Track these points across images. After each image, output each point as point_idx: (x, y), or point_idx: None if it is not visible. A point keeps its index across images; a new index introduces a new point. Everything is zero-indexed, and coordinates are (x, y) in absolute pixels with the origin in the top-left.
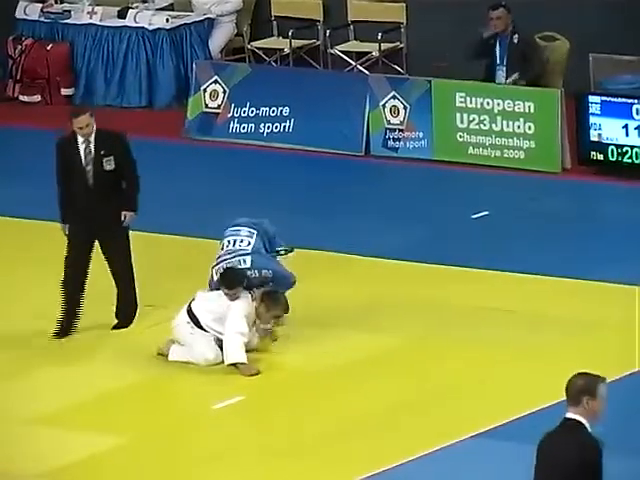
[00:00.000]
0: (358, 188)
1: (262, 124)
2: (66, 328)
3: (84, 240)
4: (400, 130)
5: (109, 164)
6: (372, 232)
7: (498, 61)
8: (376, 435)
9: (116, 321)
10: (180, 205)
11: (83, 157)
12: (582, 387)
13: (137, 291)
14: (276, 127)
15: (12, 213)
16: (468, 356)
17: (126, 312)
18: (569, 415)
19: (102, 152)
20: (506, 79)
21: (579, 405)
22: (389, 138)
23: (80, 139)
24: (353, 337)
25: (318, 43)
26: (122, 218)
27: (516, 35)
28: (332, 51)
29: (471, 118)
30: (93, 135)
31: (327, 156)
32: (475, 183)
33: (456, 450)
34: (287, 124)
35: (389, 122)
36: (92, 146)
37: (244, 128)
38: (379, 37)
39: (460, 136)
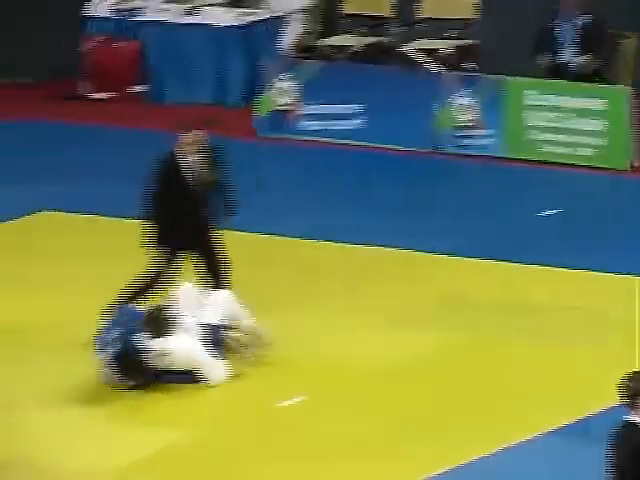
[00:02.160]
0: (428, 185)
1: (333, 122)
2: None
3: (180, 258)
4: (470, 127)
5: (210, 176)
6: (442, 229)
7: (565, 40)
8: (442, 433)
9: None
10: (251, 204)
11: (191, 176)
12: (636, 389)
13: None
14: (346, 124)
15: (81, 209)
16: (536, 353)
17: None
18: (627, 417)
19: (203, 167)
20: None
21: (635, 407)
22: (459, 135)
23: (185, 157)
24: (419, 334)
25: (389, 40)
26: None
27: (589, 15)
28: (403, 49)
29: (542, 116)
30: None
31: (397, 153)
32: (545, 180)
33: (526, 448)
34: (357, 121)
35: (459, 119)
36: (196, 162)
37: (315, 126)
38: (450, 34)
39: (531, 134)
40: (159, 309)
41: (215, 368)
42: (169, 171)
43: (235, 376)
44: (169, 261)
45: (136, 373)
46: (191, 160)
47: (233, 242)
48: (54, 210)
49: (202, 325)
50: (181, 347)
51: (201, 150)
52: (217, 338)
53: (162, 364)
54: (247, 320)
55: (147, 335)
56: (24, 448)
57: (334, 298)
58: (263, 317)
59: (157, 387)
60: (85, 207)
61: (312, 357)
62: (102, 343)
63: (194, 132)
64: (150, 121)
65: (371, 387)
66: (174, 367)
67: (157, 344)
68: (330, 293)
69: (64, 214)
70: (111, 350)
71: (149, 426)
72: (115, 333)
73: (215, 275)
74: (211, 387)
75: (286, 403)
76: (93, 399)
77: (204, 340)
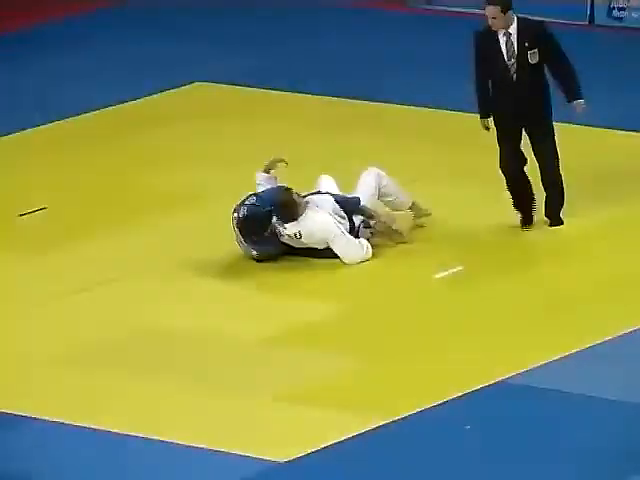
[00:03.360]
0: (582, 58)
1: None
2: (526, 219)
3: (515, 129)
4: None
5: (534, 57)
6: (595, 101)
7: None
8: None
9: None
10: (397, 76)
11: (505, 52)
12: None
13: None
14: None
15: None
16: None
17: (553, 211)
18: None
19: (526, 45)
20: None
21: None
22: (614, 7)
23: (500, 32)
24: (580, 208)
25: None
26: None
27: None
28: None
29: None
30: (514, 27)
31: (551, 26)
32: None
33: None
34: None
35: None
36: (514, 39)
37: None
38: None
39: None
40: (290, 194)
41: (351, 246)
42: (482, 41)
43: (389, 249)
44: (506, 136)
45: (261, 238)
46: (505, 35)
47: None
48: (206, 81)
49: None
50: (311, 226)
51: (521, 28)
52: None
53: (296, 245)
54: (402, 198)
55: (278, 220)
56: (170, 316)
57: (483, 173)
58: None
59: (305, 261)
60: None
61: (467, 229)
62: (236, 207)
63: (490, 7)
64: None
65: (523, 259)
66: (309, 245)
67: (288, 229)
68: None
69: (215, 85)
70: (240, 212)
71: (296, 299)
72: (250, 199)
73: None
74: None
75: (442, 274)
76: (237, 272)
77: (340, 218)
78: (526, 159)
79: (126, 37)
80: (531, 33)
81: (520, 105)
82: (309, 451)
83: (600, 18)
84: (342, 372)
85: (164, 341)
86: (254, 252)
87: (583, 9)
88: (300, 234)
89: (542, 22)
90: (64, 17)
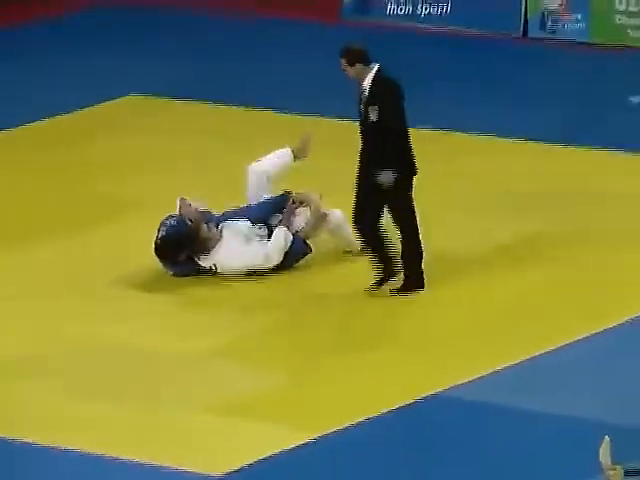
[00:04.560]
0: (515, 70)
1: (419, 6)
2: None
3: (364, 181)
4: (558, 12)
5: (374, 114)
6: (525, 114)
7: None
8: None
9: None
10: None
11: (359, 103)
12: None
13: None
14: (433, 8)
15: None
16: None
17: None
18: None
19: (370, 100)
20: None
21: None
22: (547, 20)
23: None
24: (505, 224)
25: None
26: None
27: None
28: None
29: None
30: (368, 81)
31: (484, 38)
32: (634, 65)
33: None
34: (445, 5)
35: (547, 4)
36: (366, 92)
37: (401, 10)
38: None
39: (619, 19)
40: (196, 228)
41: (273, 253)
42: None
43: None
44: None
45: (176, 262)
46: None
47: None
48: (141, 93)
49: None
50: (224, 261)
51: (374, 82)
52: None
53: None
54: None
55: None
56: (98, 330)
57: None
58: None
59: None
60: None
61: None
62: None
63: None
64: (240, 6)
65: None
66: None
67: (202, 261)
68: None
69: (150, 97)
70: (158, 234)
71: (229, 313)
72: (170, 221)
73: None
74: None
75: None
76: (167, 287)
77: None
78: (379, 215)
79: (62, 49)
80: (377, 90)
81: (365, 158)
82: (244, 464)
83: (533, 30)
84: (275, 386)
85: (92, 355)
86: (171, 272)
87: (517, 21)
88: (215, 267)
89: (393, 84)
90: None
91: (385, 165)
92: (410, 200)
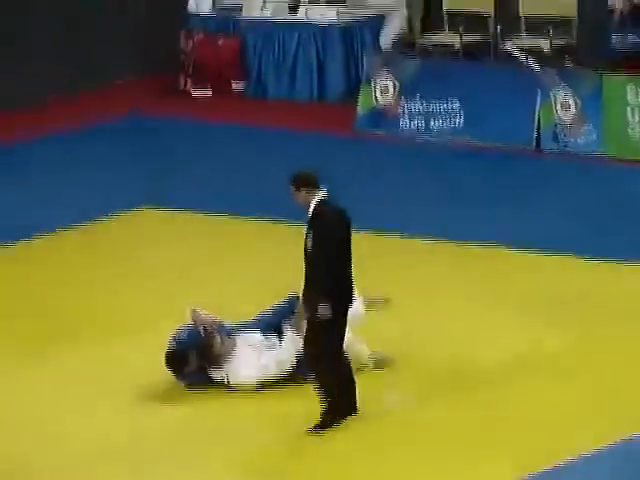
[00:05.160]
0: (529, 183)
1: (432, 120)
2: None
3: None
4: (570, 125)
5: (309, 242)
6: (543, 227)
7: None
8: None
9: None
10: (352, 201)
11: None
12: None
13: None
14: (446, 122)
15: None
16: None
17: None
18: None
19: (308, 228)
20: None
21: None
22: (559, 133)
23: None
24: (524, 331)
25: (489, 38)
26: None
27: None
28: (506, 47)
29: None
30: (311, 207)
31: (497, 150)
32: None
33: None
34: (457, 119)
35: (559, 116)
36: (308, 220)
37: (414, 123)
38: (550, 32)
39: (631, 130)
40: (210, 340)
41: (283, 360)
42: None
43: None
44: None
45: (183, 374)
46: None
47: None
48: (155, 206)
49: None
50: (236, 374)
51: (314, 210)
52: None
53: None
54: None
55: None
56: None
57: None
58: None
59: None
60: (185, 203)
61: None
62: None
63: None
64: (252, 117)
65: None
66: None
67: (214, 373)
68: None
69: (162, 211)
70: (168, 347)
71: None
72: (180, 335)
73: None
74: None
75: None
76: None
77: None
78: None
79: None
80: (314, 218)
81: (304, 287)
82: None
83: (546, 143)
84: None
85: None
86: (183, 384)
87: (529, 134)
88: (228, 379)
89: (325, 215)
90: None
91: (319, 295)
92: (331, 339)
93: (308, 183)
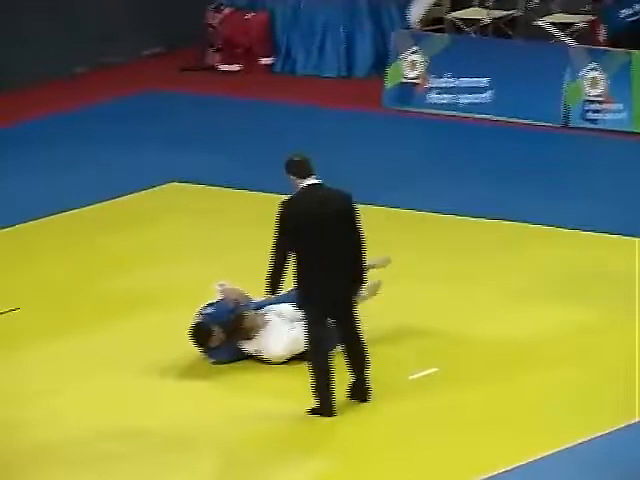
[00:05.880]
0: (556, 160)
1: (460, 95)
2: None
3: None
4: (599, 102)
5: None
6: (571, 204)
7: None
8: (572, 408)
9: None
10: (377, 175)
11: None
12: None
13: None
14: (475, 98)
15: (207, 180)
16: None
17: (362, 388)
18: None
19: None
20: None
21: None
22: (588, 110)
23: None
24: (551, 308)
25: (518, 14)
26: None
27: None
28: (539, 22)
29: None
30: None
31: (525, 127)
32: None
33: None
34: (485, 95)
35: (588, 94)
36: None
37: (443, 99)
38: (583, 8)
39: None
40: (241, 318)
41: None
42: None
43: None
44: None
45: (209, 349)
46: None
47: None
48: (184, 181)
49: None
50: (270, 348)
51: None
52: None
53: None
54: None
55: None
56: (142, 416)
57: (475, 276)
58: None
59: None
60: (214, 178)
61: (443, 329)
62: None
63: None
64: (280, 93)
65: (502, 360)
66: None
67: (246, 347)
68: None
69: (192, 185)
70: (194, 321)
71: (267, 399)
72: (206, 309)
73: None
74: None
75: (418, 375)
76: (205, 372)
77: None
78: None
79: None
80: None
81: None
82: None
83: (575, 120)
84: (323, 474)
85: (135, 441)
86: (210, 360)
87: (558, 110)
88: (260, 353)
89: (283, 202)
90: (44, 118)
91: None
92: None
93: (294, 170)
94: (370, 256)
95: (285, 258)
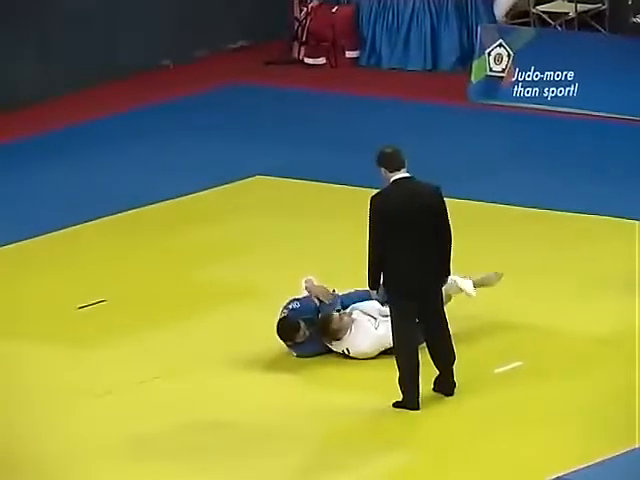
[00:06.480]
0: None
1: (546, 88)
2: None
3: None
4: None
5: None
6: None
7: None
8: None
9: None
10: (461, 170)
11: None
12: None
13: None
14: (560, 91)
15: (291, 174)
16: None
17: (447, 381)
18: None
19: None
20: None
21: None
22: None
23: None
24: (634, 302)
25: (604, 7)
26: None
27: None
28: (636, 19)
29: None
30: None
31: (610, 121)
32: None
33: None
34: (571, 88)
35: None
36: None
37: (528, 92)
38: None
39: None
40: (329, 321)
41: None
42: None
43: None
44: None
45: (295, 343)
46: None
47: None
48: (268, 174)
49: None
50: (357, 346)
51: None
52: None
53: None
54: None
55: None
56: (232, 410)
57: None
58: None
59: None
60: (298, 172)
61: (527, 322)
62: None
63: None
64: (365, 86)
65: (586, 355)
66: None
67: (334, 347)
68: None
69: (277, 179)
70: (280, 316)
71: (351, 393)
72: (292, 304)
73: None
74: None
75: (502, 369)
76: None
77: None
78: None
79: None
80: None
81: None
82: None
83: None
84: (405, 467)
85: (219, 433)
86: (294, 353)
87: None
88: (348, 351)
89: (374, 196)
90: (127, 111)
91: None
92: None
93: (384, 162)
94: (479, 272)
95: (384, 251)
